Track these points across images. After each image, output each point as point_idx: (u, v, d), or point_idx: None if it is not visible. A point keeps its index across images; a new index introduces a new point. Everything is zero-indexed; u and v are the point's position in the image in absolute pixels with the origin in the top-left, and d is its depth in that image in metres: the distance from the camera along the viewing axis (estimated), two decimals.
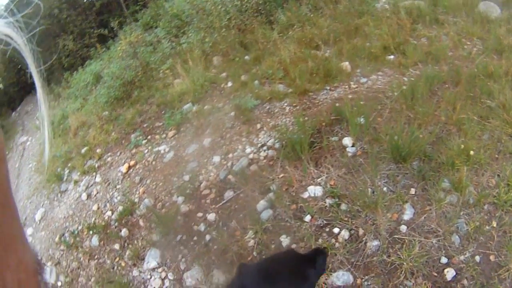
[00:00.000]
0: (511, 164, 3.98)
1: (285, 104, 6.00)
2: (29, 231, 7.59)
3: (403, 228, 3.66)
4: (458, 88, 5.23)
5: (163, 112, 7.30)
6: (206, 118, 6.39)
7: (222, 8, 9.04)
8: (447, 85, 5.43)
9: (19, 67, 24.56)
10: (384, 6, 8.15)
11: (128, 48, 9.23)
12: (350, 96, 5.60)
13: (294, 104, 5.89)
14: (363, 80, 6.04)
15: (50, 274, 5.64)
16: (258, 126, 5.73)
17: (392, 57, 6.48)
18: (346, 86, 5.99)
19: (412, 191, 3.96)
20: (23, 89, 25.68)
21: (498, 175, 3.94)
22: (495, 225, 3.51)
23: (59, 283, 5.56)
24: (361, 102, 5.23)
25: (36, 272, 0.52)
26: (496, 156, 4.16)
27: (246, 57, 7.74)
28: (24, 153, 14.37)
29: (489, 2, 7.70)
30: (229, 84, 7.15)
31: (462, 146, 4.14)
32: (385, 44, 6.67)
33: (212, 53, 8.37)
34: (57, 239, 6.33)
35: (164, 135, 6.67)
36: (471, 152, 4.03)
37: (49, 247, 6.46)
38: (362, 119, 4.89)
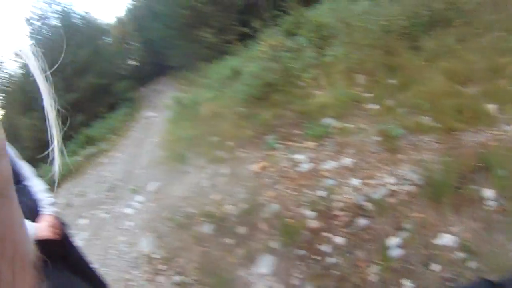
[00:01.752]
0: None
1: (430, 139, 5.65)
2: (138, 198, 8.05)
3: None
4: None
5: (302, 120, 7.26)
6: (349, 137, 6.22)
7: (368, 26, 8.87)
8: None
9: (157, 50, 26.52)
10: None
11: (269, 51, 9.39)
12: (493, 143, 5.15)
13: (439, 141, 5.53)
14: (507, 128, 5.48)
15: (147, 244, 5.89)
16: (402, 157, 5.43)
17: None
18: (490, 132, 5.49)
19: None
20: (157, 69, 27.74)
21: None
22: None
23: (155, 255, 5.79)
24: (504, 153, 4.77)
25: (34, 265, 0.51)
26: None
27: (391, 80, 7.44)
28: (149, 126, 15.39)
29: None
30: (373, 106, 6.92)
31: None
32: None
33: (357, 70, 8.16)
34: (167, 214, 6.59)
35: (302, 144, 6.61)
36: None
37: (154, 219, 6.78)
38: (504, 172, 4.44)
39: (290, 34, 12.91)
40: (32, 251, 0.52)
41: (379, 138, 5.96)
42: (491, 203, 4.26)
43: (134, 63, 33.73)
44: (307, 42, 10.70)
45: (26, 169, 2.81)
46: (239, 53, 14.53)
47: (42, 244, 2.42)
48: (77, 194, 11.08)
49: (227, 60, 14.60)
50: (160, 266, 5.53)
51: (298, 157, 6.30)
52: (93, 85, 22.63)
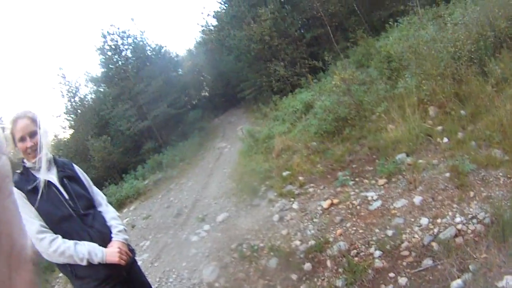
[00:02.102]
0: None
1: (500, 173, 5.40)
2: (206, 227, 8.16)
3: None
4: None
5: (374, 156, 7.27)
6: (420, 173, 6.11)
7: (437, 54, 8.69)
8: None
9: (228, 81, 27.48)
10: None
11: (341, 84, 9.46)
12: None
13: (509, 176, 5.28)
14: None
15: (210, 272, 5.95)
16: (471, 194, 5.24)
17: None
18: None
19: None
20: (229, 101, 28.77)
21: None
22: None
23: (217, 284, 5.85)
24: None
25: (31, 259, 0.51)
26: None
27: (462, 111, 7.27)
28: (220, 157, 15.73)
29: None
30: (445, 140, 6.78)
31: None
32: None
33: (428, 102, 8.06)
34: (233, 245, 6.66)
35: (373, 181, 6.60)
36: None
37: (220, 249, 6.85)
38: None
39: (361, 65, 12.99)
40: (29, 247, 0.53)
41: (449, 174, 5.82)
42: None
43: (206, 94, 35.04)
44: (378, 73, 10.71)
45: (100, 195, 3.07)
46: (310, 86, 14.71)
47: (110, 268, 2.70)
48: (144, 217, 11.52)
49: (299, 93, 14.87)
50: None
51: (369, 194, 6.29)
52: (165, 114, 23.65)
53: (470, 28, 8.59)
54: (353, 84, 9.60)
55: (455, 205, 5.19)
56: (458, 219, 4.90)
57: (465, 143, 6.38)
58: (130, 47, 26.02)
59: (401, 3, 16.22)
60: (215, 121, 26.43)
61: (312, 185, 7.42)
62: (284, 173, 8.33)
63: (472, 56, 8.19)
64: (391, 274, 4.55)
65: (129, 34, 26.03)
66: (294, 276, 5.23)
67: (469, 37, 8.34)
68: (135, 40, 26.39)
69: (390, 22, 14.51)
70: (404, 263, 4.63)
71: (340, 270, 4.90)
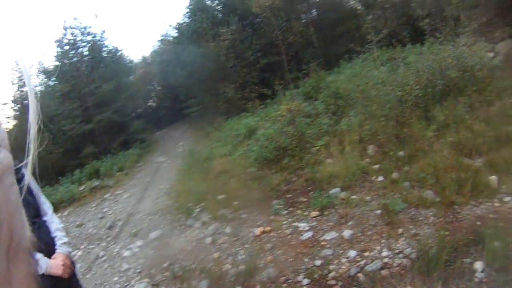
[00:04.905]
0: None
1: (430, 213, 5.79)
2: (139, 243, 7.98)
3: None
4: None
5: (309, 188, 7.38)
6: (352, 208, 6.34)
7: (384, 96, 9.08)
8: None
9: (176, 96, 27.12)
10: None
11: (287, 114, 9.60)
12: (491, 216, 5.27)
13: (438, 216, 5.67)
14: (507, 198, 5.60)
15: None
16: (400, 230, 5.56)
17: None
18: (490, 204, 5.63)
19: None
20: (174, 115, 28.19)
21: None
22: None
23: None
24: (501, 224, 4.91)
25: (29, 251, 0.52)
26: None
27: (401, 152, 7.60)
28: (158, 171, 15.43)
29: None
30: (380, 178, 7.06)
31: None
32: None
33: (369, 141, 8.34)
34: (165, 264, 6.57)
35: (306, 213, 6.72)
36: None
37: (152, 266, 6.74)
38: (498, 244, 4.55)
39: (309, 97, 13.21)
40: (28, 237, 0.53)
41: (380, 211, 6.09)
42: (480, 274, 4.33)
43: (153, 104, 34.35)
44: (324, 107, 10.93)
45: (46, 204, 3.00)
46: (257, 111, 14.80)
47: (52, 279, 2.64)
48: (77, 225, 11.09)
49: (244, 118, 14.84)
50: None
51: (301, 225, 6.39)
52: (110, 120, 22.93)
53: (421, 75, 9.03)
54: (298, 115, 9.76)
55: (383, 240, 5.43)
56: (385, 253, 5.15)
57: (399, 183, 6.68)
58: (88, 45, 25.11)
59: (359, 42, 16.70)
60: (158, 134, 25.97)
61: (246, 210, 7.42)
62: (220, 196, 8.28)
63: (418, 101, 8.60)
64: None
65: (89, 32, 24.98)
66: None
67: (419, 83, 8.77)
68: (94, 39, 25.39)
69: (345, 59, 14.98)
70: None
71: None
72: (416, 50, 11.25)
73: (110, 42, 32.77)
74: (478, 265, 4.45)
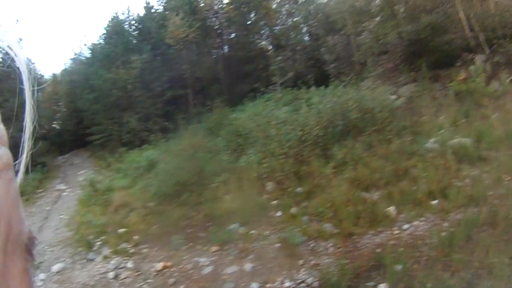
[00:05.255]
0: None
1: (330, 244, 6.26)
2: (41, 276, 7.57)
3: None
4: (494, 231, 5.37)
5: (209, 223, 7.59)
6: (251, 243, 6.63)
7: (284, 135, 9.62)
8: (484, 228, 5.57)
9: (80, 120, 25.81)
10: (433, 146, 8.43)
11: (188, 149, 9.84)
12: (391, 242, 5.84)
13: (338, 246, 6.15)
14: (406, 226, 6.26)
15: None
16: (301, 262, 5.93)
17: (435, 202, 6.63)
18: (389, 232, 6.24)
19: None
20: (77, 140, 26.63)
21: None
22: None
23: None
24: (401, 249, 5.45)
25: (26, 247, 0.51)
26: None
27: (299, 189, 8.09)
28: (59, 200, 14.66)
29: None
30: (279, 213, 7.49)
31: None
32: (431, 189, 6.87)
33: (267, 178, 8.77)
34: None
35: (206, 248, 6.90)
36: None
37: None
38: (400, 267, 5.07)
39: (211, 133, 13.52)
40: (26, 233, 0.52)
41: (279, 244, 6.46)
42: None
43: (57, 127, 32.23)
44: (225, 144, 11.31)
45: None
46: (159, 144, 14.78)
47: None
48: None
49: (146, 150, 14.71)
50: None
51: (201, 259, 6.56)
52: (12, 139, 21.28)
53: (322, 115, 9.70)
54: (199, 151, 10.04)
55: (284, 272, 5.78)
56: (287, 284, 5.51)
57: (297, 217, 7.14)
58: (3, 51, 23.18)
59: (265, 82, 17.25)
60: (59, 159, 24.46)
61: (147, 245, 7.41)
62: (120, 230, 8.21)
63: (318, 140, 9.23)
64: None
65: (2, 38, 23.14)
66: None
67: (319, 123, 9.43)
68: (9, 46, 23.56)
69: (250, 97, 15.43)
70: None
71: None
72: (320, 92, 11.94)
73: (25, 52, 30.22)
74: (382, 286, 4.93)
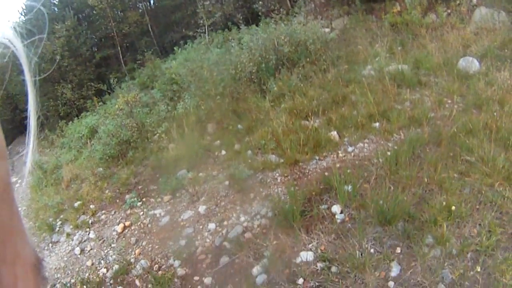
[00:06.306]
0: (491, 212, 4.37)
1: (277, 174, 6.46)
2: None
3: (391, 284, 4.00)
4: (439, 149, 5.70)
5: (157, 175, 7.67)
6: (201, 185, 6.79)
7: (218, 76, 9.67)
8: (429, 147, 5.89)
9: (15, 105, 24.65)
10: (370, 73, 8.69)
11: (125, 107, 9.68)
12: (338, 165, 6.06)
13: (285, 175, 6.36)
14: (350, 148, 6.51)
15: None
16: (252, 195, 6.15)
17: (377, 124, 6.91)
18: (334, 156, 6.48)
19: (398, 250, 4.33)
20: (16, 128, 25.52)
21: (480, 224, 4.33)
22: (479, 270, 3.84)
23: None
24: (348, 171, 5.68)
25: (35, 267, 0.50)
26: (477, 207, 4.56)
27: (239, 126, 8.23)
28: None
29: (468, 58, 8.18)
30: (223, 152, 7.63)
31: (444, 203, 4.58)
32: (371, 112, 7.14)
33: (207, 120, 8.88)
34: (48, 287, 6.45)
35: (159, 199, 7.03)
36: (453, 208, 4.44)
37: None
38: (349, 187, 5.31)
39: (146, 87, 13.35)
40: (33, 255, 0.51)
41: (228, 182, 6.64)
42: (340, 216, 5.07)
43: None
44: (161, 95, 11.22)
45: None
46: (97, 109, 14.46)
47: None
48: None
49: (84, 118, 14.30)
50: None
51: (157, 212, 6.71)
52: None
53: (254, 53, 9.69)
54: (136, 107, 9.90)
55: (238, 207, 6.00)
56: (242, 218, 5.73)
57: (241, 153, 7.31)
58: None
59: (194, 27, 16.99)
60: None
61: (103, 211, 7.46)
62: (76, 204, 8.16)
63: (253, 77, 9.33)
64: (196, 278, 5.09)
65: None
66: None
67: (252, 60, 9.46)
68: None
69: (180, 45, 15.18)
70: (204, 265, 5.22)
71: (150, 286, 5.21)
72: (251, 31, 11.73)
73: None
74: (335, 208, 5.16)
